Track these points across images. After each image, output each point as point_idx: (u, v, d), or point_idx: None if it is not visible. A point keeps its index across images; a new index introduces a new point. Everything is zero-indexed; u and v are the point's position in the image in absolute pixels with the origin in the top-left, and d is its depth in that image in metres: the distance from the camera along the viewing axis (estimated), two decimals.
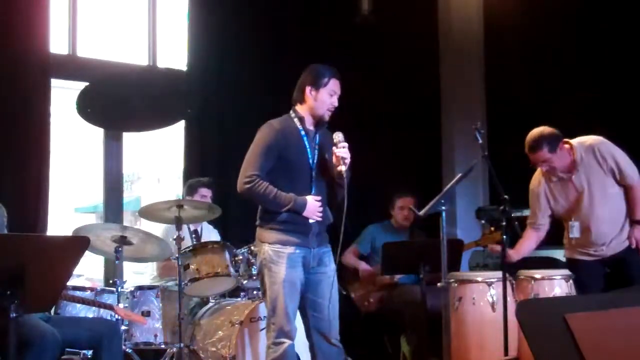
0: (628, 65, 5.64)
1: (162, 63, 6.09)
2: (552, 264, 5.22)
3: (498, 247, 4.40)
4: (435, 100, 7.01)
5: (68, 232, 4.39)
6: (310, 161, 3.66)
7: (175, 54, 6.18)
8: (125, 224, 5.48)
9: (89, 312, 4.22)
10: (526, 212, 5.64)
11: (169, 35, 6.23)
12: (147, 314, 4.43)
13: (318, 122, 3.69)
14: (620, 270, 4.29)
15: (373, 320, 5.42)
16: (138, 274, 6.04)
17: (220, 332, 4.36)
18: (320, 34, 6.28)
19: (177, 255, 4.28)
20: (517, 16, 6.35)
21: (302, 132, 3.67)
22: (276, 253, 3.57)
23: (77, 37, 5.70)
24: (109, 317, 4.18)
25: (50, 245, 2.92)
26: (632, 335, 2.08)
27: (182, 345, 4.24)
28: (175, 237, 4.30)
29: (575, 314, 2.04)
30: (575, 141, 4.35)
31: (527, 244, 4.56)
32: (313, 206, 3.59)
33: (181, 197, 5.14)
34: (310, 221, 3.61)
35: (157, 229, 4.83)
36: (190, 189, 5.05)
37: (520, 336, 3.92)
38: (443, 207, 4.28)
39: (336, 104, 3.68)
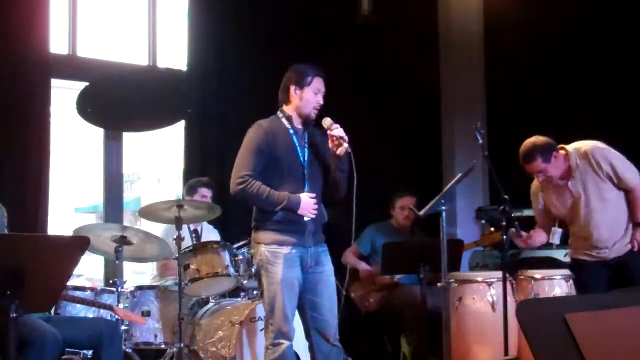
0: (628, 65, 5.64)
1: (162, 63, 6.09)
2: (552, 264, 5.22)
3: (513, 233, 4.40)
4: (435, 100, 7.01)
5: (68, 232, 4.39)
6: (301, 159, 3.65)
7: (175, 54, 6.18)
8: (125, 224, 5.48)
9: (89, 312, 4.21)
10: (526, 212, 5.65)
11: (169, 35, 6.23)
12: (147, 314, 4.43)
13: (305, 120, 3.69)
14: (622, 273, 4.29)
15: (373, 320, 5.42)
16: (138, 274, 6.03)
17: (220, 332, 4.36)
18: (320, 34, 6.28)
19: (177, 255, 4.28)
20: (517, 16, 6.35)
21: (291, 131, 3.67)
22: (273, 254, 3.56)
23: (77, 37, 5.70)
24: (109, 317, 4.17)
25: (50, 245, 2.92)
26: (632, 335, 2.08)
27: (182, 345, 4.24)
28: (175, 237, 4.30)
29: (575, 314, 2.04)
30: (571, 147, 4.34)
31: (539, 238, 4.55)
32: (307, 203, 3.58)
33: (181, 197, 5.14)
34: (305, 219, 3.60)
35: (157, 229, 4.82)
36: (190, 189, 5.05)
37: (520, 336, 3.93)
38: (443, 207, 4.28)
39: (321, 101, 3.68)
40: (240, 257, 4.41)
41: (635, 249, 4.27)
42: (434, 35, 7.04)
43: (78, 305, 4.17)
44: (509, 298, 4.07)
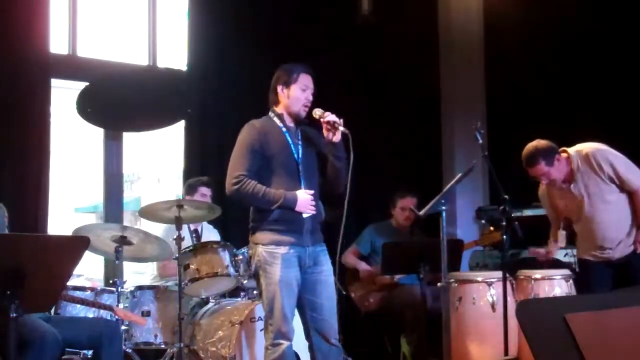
0: (629, 65, 5.64)
1: (162, 63, 6.09)
2: (552, 264, 5.22)
3: (538, 252, 4.58)
4: (435, 100, 7.01)
5: (68, 232, 4.38)
6: (296, 155, 3.65)
7: (175, 54, 6.18)
8: (125, 224, 5.47)
9: (89, 312, 4.21)
10: (526, 212, 5.67)
11: (169, 35, 6.23)
12: (147, 314, 4.43)
13: (296, 119, 3.70)
14: (626, 273, 4.29)
15: (373, 320, 5.42)
16: (138, 274, 6.03)
17: (220, 332, 4.36)
18: (320, 34, 6.28)
19: (177, 255, 4.28)
20: (517, 16, 6.35)
21: (284, 129, 3.67)
22: (270, 254, 3.56)
23: (77, 37, 5.69)
24: (109, 317, 4.17)
25: (50, 245, 2.92)
26: (632, 335, 2.08)
27: (182, 345, 4.24)
28: (175, 237, 4.30)
29: (575, 314, 2.04)
30: (572, 150, 4.35)
31: (557, 246, 4.64)
32: (304, 200, 3.56)
33: (181, 197, 5.14)
34: (304, 215, 3.59)
35: (157, 229, 4.82)
36: (190, 188, 5.05)
37: (520, 336, 3.93)
38: (443, 207, 4.28)
39: (310, 98, 3.67)
40: (240, 257, 4.41)
41: (638, 251, 4.28)
42: (434, 35, 7.04)
43: (78, 305, 4.17)
44: (509, 298, 4.07)
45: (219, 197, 5.04)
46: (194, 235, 4.85)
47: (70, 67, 5.62)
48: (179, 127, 5.99)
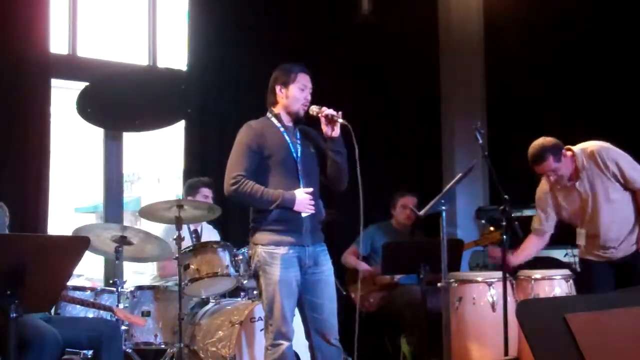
0: (629, 64, 5.64)
1: (162, 63, 6.09)
2: (552, 264, 5.22)
3: (497, 252, 4.40)
4: (435, 100, 7.01)
5: (68, 232, 4.39)
6: (294, 154, 3.64)
7: (175, 54, 6.18)
8: (125, 224, 5.48)
9: (89, 312, 4.22)
10: (526, 212, 5.66)
11: (169, 35, 6.24)
12: (147, 314, 4.43)
13: (294, 119, 3.69)
14: (629, 272, 4.28)
15: (373, 320, 5.41)
16: (138, 274, 6.04)
17: (220, 332, 4.36)
18: (320, 34, 6.28)
19: (177, 255, 4.28)
20: (517, 16, 6.35)
21: (281, 129, 3.66)
22: (270, 254, 3.55)
23: (77, 37, 5.70)
24: (109, 317, 4.17)
25: (50, 245, 2.92)
26: (632, 335, 2.08)
27: (182, 345, 4.24)
28: (175, 237, 4.30)
29: (575, 314, 2.04)
30: (576, 148, 4.33)
31: (528, 252, 4.56)
32: (303, 199, 3.55)
33: (181, 197, 5.14)
34: (303, 215, 3.58)
35: (157, 229, 4.82)
36: (191, 189, 5.04)
37: (520, 336, 3.93)
38: (443, 207, 4.28)
39: (309, 98, 3.67)
40: (240, 257, 4.41)
41: None
42: (434, 35, 7.04)
43: (78, 306, 4.17)
44: (509, 298, 4.07)
45: (219, 198, 5.05)
46: (193, 235, 4.85)
47: (70, 67, 5.62)
48: (179, 127, 5.99)
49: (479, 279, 4.45)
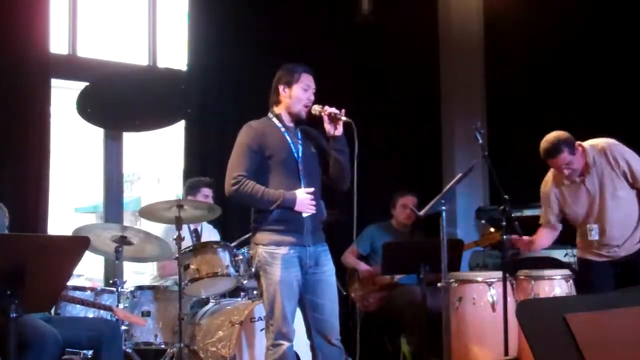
0: (629, 64, 5.64)
1: (162, 63, 6.09)
2: (552, 264, 5.22)
3: (517, 238, 4.36)
4: (435, 100, 7.01)
5: (68, 232, 4.39)
6: (295, 155, 3.64)
7: (175, 54, 6.19)
8: (125, 224, 5.48)
9: (89, 312, 4.22)
10: (526, 212, 5.66)
11: (169, 35, 6.24)
12: (147, 314, 4.43)
13: (296, 119, 3.69)
14: (630, 272, 4.27)
15: (373, 320, 5.42)
16: (138, 274, 6.04)
17: (220, 332, 4.36)
18: (320, 33, 6.28)
19: (177, 255, 4.28)
20: (517, 16, 6.35)
21: (282, 129, 3.66)
22: (270, 254, 3.55)
23: (77, 37, 5.70)
24: (109, 317, 4.18)
25: (50, 245, 2.92)
26: (632, 335, 2.08)
27: (182, 345, 4.24)
28: (175, 237, 4.30)
29: (575, 314, 2.04)
30: (586, 144, 4.30)
31: (541, 241, 4.51)
32: (304, 199, 3.55)
33: (181, 197, 5.14)
34: (304, 215, 3.58)
35: (157, 229, 4.82)
36: (191, 189, 5.04)
37: (520, 336, 3.93)
38: (443, 207, 4.28)
39: (312, 98, 3.67)
40: (240, 257, 4.41)
41: None
42: (434, 35, 7.04)
43: (78, 306, 4.17)
44: (509, 298, 4.07)
45: (219, 197, 5.05)
46: (194, 235, 4.85)
47: (70, 67, 5.62)
48: (179, 127, 5.99)
49: (479, 279, 4.45)
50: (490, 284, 4.37)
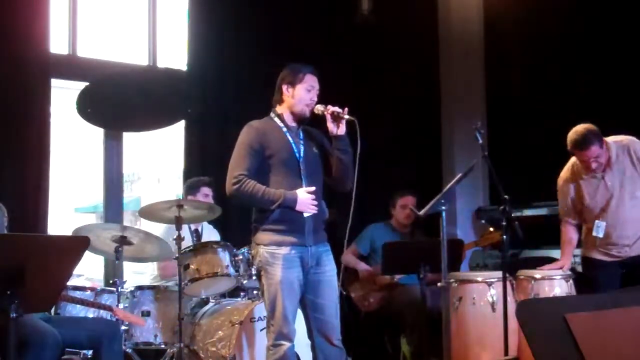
0: (628, 63, 5.64)
1: (162, 63, 6.08)
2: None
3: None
4: (435, 100, 7.01)
5: (68, 232, 4.38)
6: (297, 154, 3.64)
7: (175, 54, 6.18)
8: (125, 224, 5.47)
9: (89, 312, 4.21)
10: (526, 212, 5.66)
11: (169, 35, 6.24)
12: (147, 314, 4.43)
13: (299, 119, 3.69)
14: (637, 272, 4.25)
15: (373, 320, 5.42)
16: (138, 274, 6.03)
17: (220, 332, 4.36)
18: (320, 33, 6.28)
19: (177, 255, 4.28)
20: (517, 16, 6.35)
21: (284, 129, 3.67)
22: (271, 255, 3.55)
23: (77, 37, 5.69)
24: (109, 317, 4.17)
25: (50, 245, 2.92)
26: (632, 335, 2.08)
27: (182, 345, 4.24)
28: (175, 237, 4.30)
29: (575, 314, 2.04)
30: (610, 139, 4.27)
31: (572, 243, 4.48)
32: (305, 199, 3.55)
33: (181, 197, 5.14)
34: (305, 215, 3.58)
35: (157, 229, 4.82)
36: (191, 189, 5.04)
37: (520, 336, 3.92)
38: (443, 207, 4.28)
39: (315, 99, 3.67)
40: (240, 257, 4.41)
41: None
42: (434, 35, 7.04)
43: (78, 306, 4.17)
44: (509, 298, 4.07)
45: (219, 197, 5.05)
46: (194, 235, 4.85)
47: (70, 67, 5.61)
48: (179, 127, 5.99)
49: (479, 279, 4.44)
50: (490, 284, 4.36)
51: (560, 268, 4.42)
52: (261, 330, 4.20)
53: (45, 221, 5.10)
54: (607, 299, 2.26)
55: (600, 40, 5.81)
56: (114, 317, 4.13)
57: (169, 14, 6.22)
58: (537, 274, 4.43)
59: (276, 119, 3.70)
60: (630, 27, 5.65)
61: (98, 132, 5.92)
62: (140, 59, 6.05)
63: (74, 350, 3.89)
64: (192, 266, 4.35)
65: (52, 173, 5.24)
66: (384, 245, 4.81)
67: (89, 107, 5.54)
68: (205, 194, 4.99)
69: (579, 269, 4.76)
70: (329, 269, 3.68)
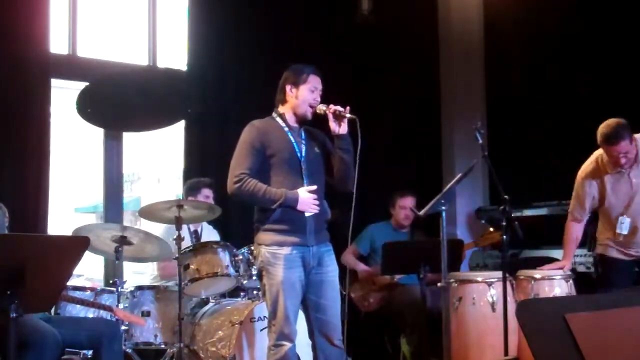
0: (629, 63, 5.63)
1: (162, 63, 6.09)
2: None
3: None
4: (435, 100, 7.01)
5: (68, 232, 4.39)
6: (299, 154, 3.64)
7: (175, 54, 6.19)
8: (125, 224, 5.48)
9: (89, 312, 4.22)
10: (526, 212, 5.65)
11: (169, 35, 6.24)
12: (147, 314, 4.43)
13: (301, 119, 3.69)
14: None
15: (373, 320, 5.42)
16: (138, 274, 6.03)
17: (220, 332, 4.36)
18: (320, 33, 6.28)
19: (177, 255, 4.28)
20: (517, 16, 6.35)
21: (286, 128, 3.67)
22: (273, 255, 3.55)
23: (77, 37, 5.69)
24: (109, 317, 4.17)
25: (50, 245, 2.92)
26: (632, 335, 2.08)
27: (182, 345, 4.24)
28: (175, 237, 4.30)
29: (575, 314, 2.04)
30: (638, 136, 4.23)
31: (576, 240, 4.44)
32: (306, 198, 3.55)
33: (181, 197, 5.14)
34: (307, 214, 3.58)
35: (157, 229, 4.82)
36: (192, 190, 5.04)
37: (520, 336, 3.92)
38: (443, 207, 4.28)
39: (318, 100, 3.68)
40: (240, 257, 4.41)
41: None
42: (434, 35, 7.04)
43: (78, 306, 4.17)
44: (509, 298, 4.07)
45: (220, 198, 5.05)
46: (194, 235, 4.85)
47: (70, 67, 5.61)
48: (179, 127, 5.99)
49: (479, 279, 4.44)
50: (490, 284, 4.36)
51: (561, 268, 4.41)
52: (261, 330, 4.20)
53: (45, 221, 5.10)
54: (607, 299, 2.26)
55: (600, 40, 5.81)
56: (114, 317, 4.13)
57: (169, 14, 6.22)
58: (537, 274, 4.43)
59: (278, 119, 3.70)
60: (630, 27, 5.65)
61: (98, 132, 5.92)
62: (140, 59, 6.05)
63: (74, 350, 3.90)
64: (192, 266, 4.35)
65: (52, 173, 5.24)
66: (384, 245, 4.81)
67: (89, 107, 5.54)
68: (206, 196, 4.99)
69: (579, 269, 4.76)
70: (331, 269, 3.68)
